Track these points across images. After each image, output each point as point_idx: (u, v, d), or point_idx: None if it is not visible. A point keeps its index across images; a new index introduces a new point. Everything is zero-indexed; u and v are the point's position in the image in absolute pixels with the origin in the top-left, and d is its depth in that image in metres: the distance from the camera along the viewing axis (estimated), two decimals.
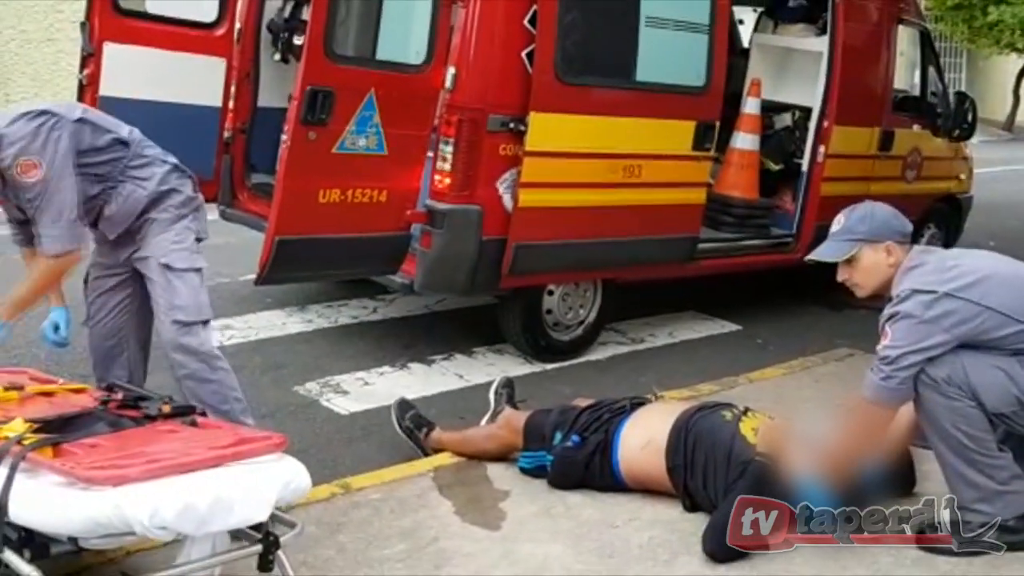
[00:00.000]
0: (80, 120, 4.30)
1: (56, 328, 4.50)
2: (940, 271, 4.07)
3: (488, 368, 6.58)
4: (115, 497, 2.85)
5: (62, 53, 16.24)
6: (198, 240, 4.62)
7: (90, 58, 6.58)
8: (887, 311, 4.07)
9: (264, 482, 3.11)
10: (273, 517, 3.25)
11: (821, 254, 4.35)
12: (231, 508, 2.98)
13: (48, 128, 4.17)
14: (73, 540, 2.97)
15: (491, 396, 5.37)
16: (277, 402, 5.78)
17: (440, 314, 7.69)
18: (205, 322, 4.52)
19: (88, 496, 2.91)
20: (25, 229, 4.48)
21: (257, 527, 3.26)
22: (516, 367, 6.57)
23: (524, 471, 4.70)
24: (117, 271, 4.62)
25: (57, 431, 3.30)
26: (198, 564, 3.09)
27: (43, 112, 4.21)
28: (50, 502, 2.97)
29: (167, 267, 4.45)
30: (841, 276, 4.34)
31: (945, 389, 3.96)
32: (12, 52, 16.14)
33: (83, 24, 6.60)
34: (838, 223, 4.34)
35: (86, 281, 4.75)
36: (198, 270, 4.54)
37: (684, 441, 4.35)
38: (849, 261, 4.27)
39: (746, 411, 4.48)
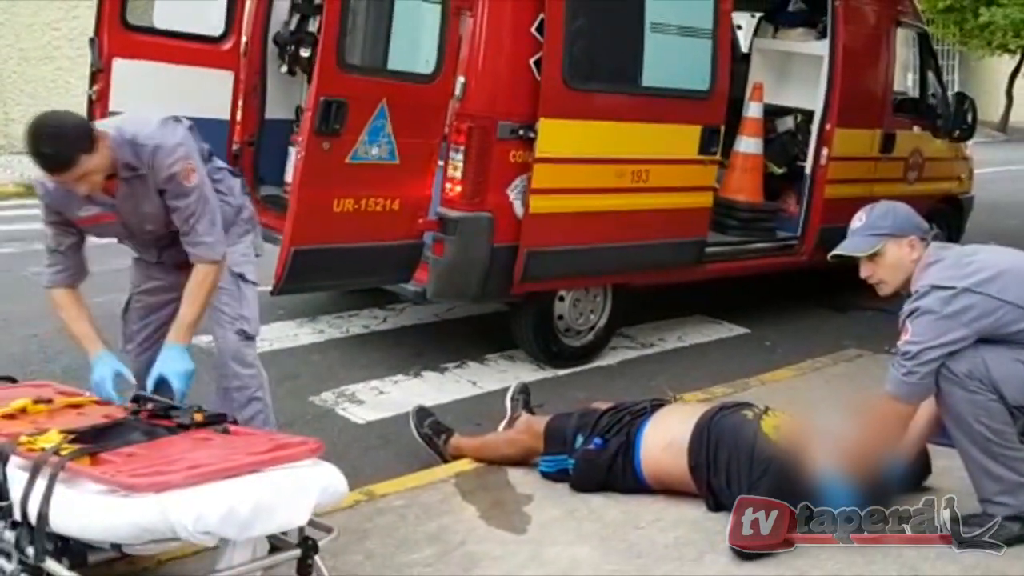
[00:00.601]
0: (190, 128, 4.22)
1: (119, 374, 4.13)
2: (958, 267, 4.12)
3: (501, 375, 6.62)
4: (160, 503, 2.89)
5: (60, 71, 16.32)
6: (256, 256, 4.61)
7: (100, 74, 6.60)
8: (907, 307, 4.11)
9: (303, 486, 3.14)
10: (309, 522, 3.29)
11: (846, 248, 4.37)
12: (272, 512, 3.01)
13: (187, 133, 4.10)
14: (116, 547, 3.00)
15: (507, 402, 5.41)
16: (294, 412, 5.80)
17: (450, 322, 7.74)
18: (254, 338, 4.51)
19: (133, 502, 2.94)
20: (71, 260, 4.22)
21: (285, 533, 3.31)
22: (528, 373, 6.61)
23: (545, 475, 4.73)
24: (173, 294, 4.40)
25: (92, 441, 3.33)
26: (239, 569, 3.13)
27: (175, 118, 4.11)
28: (93, 510, 3.01)
29: (241, 277, 4.42)
30: (864, 273, 4.36)
31: (967, 383, 4.01)
32: (11, 70, 16.20)
33: (92, 40, 6.63)
34: (859, 220, 4.36)
35: (126, 309, 4.59)
36: (257, 286, 4.53)
37: (706, 441, 4.39)
38: (873, 257, 4.29)
39: (766, 410, 4.52)
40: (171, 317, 4.40)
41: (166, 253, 4.40)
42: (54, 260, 4.19)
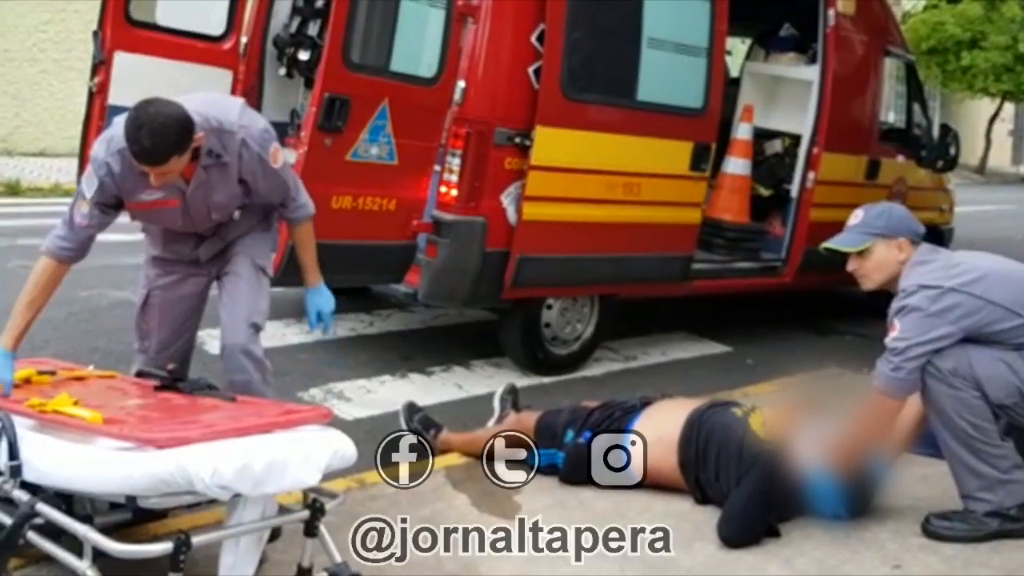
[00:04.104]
0: None
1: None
2: (946, 268, 4.28)
3: (486, 380, 6.69)
4: (178, 456, 2.97)
5: (44, 73, 16.38)
6: None
7: (101, 66, 6.67)
8: (895, 305, 4.26)
9: (315, 448, 3.23)
10: (315, 490, 3.38)
11: (838, 242, 4.54)
12: (284, 471, 3.09)
13: None
14: (132, 500, 3.07)
15: (495, 402, 5.49)
16: None
17: (436, 329, 7.83)
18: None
19: (152, 456, 3.03)
20: (84, 242, 4.04)
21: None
22: (513, 380, 6.62)
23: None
24: (191, 287, 4.42)
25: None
26: (250, 527, 3.21)
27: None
28: (111, 464, 3.08)
29: (262, 270, 4.37)
30: (851, 266, 4.53)
31: (951, 380, 4.15)
32: None
33: (95, 33, 6.70)
34: (856, 217, 4.53)
35: (144, 305, 4.42)
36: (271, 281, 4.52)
37: (696, 437, 4.49)
38: (861, 253, 4.46)
39: (753, 408, 4.64)
40: (187, 317, 4.42)
41: (204, 246, 4.33)
42: (69, 234, 4.00)
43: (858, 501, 4.34)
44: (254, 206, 4.29)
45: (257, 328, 4.30)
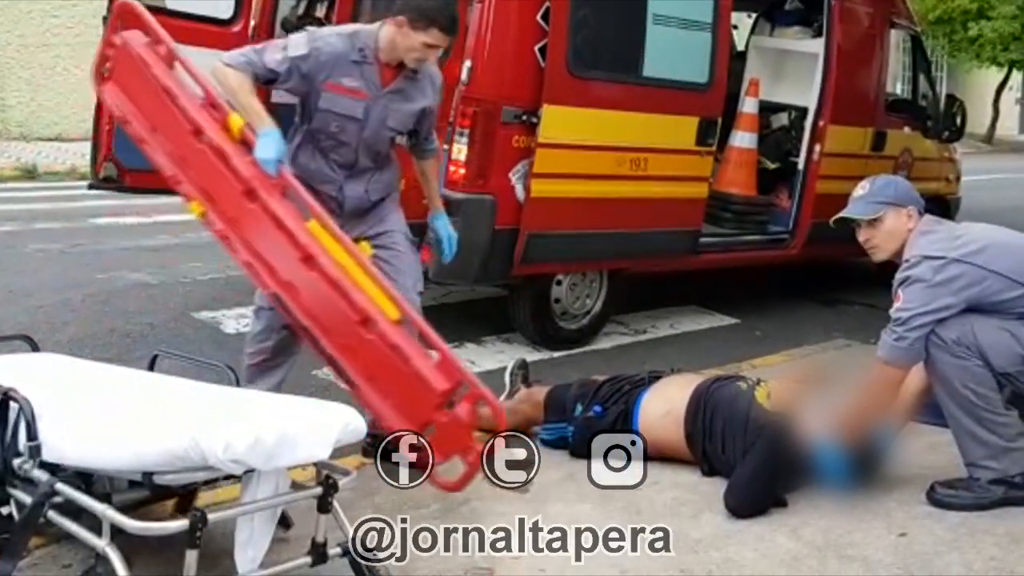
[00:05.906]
0: None
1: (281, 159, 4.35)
2: (949, 239, 4.33)
3: (497, 355, 6.76)
4: (192, 430, 3.04)
5: (58, 58, 16.45)
6: None
7: None
8: (899, 276, 4.32)
9: (325, 422, 3.29)
10: (328, 466, 3.44)
11: (849, 212, 4.59)
12: (296, 445, 3.15)
13: None
14: (148, 477, 3.13)
15: (507, 377, 5.53)
16: (298, 384, 5.85)
17: (448, 306, 7.88)
18: None
19: (165, 430, 3.10)
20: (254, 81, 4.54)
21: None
22: (524, 354, 6.66)
23: (545, 443, 4.86)
24: None
25: None
26: (263, 503, 3.27)
27: None
28: (126, 439, 3.16)
29: (413, 243, 4.80)
30: (862, 237, 4.58)
31: (955, 349, 4.20)
32: (9, 56, 16.32)
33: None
34: (862, 188, 4.59)
35: None
36: None
37: (703, 410, 4.56)
38: (872, 223, 4.51)
39: (759, 381, 4.70)
40: None
41: (348, 186, 4.71)
42: (248, 70, 4.48)
43: (864, 471, 4.39)
44: (391, 163, 4.86)
45: (420, 295, 4.78)
